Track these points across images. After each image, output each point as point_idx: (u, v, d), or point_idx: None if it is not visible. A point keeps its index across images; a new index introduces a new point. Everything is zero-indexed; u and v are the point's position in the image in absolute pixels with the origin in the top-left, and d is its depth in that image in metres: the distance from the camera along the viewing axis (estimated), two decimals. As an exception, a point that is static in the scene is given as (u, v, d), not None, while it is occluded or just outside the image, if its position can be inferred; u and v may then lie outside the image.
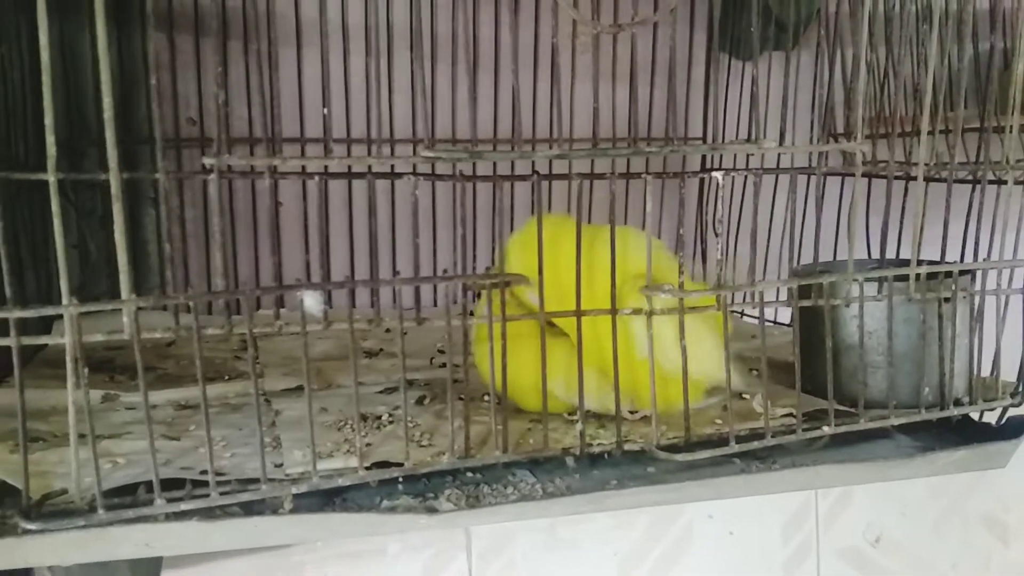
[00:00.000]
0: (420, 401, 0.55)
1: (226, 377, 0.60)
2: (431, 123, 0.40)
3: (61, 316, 0.66)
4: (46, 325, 0.68)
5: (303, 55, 0.79)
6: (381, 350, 0.68)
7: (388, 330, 0.75)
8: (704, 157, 0.89)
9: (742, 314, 0.82)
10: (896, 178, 0.64)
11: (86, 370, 0.36)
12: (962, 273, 0.52)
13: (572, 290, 0.44)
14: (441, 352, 0.66)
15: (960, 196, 0.56)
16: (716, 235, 0.87)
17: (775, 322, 0.78)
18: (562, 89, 0.43)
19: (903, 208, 0.67)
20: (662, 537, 0.96)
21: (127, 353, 0.66)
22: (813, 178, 0.83)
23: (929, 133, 0.52)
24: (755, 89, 0.43)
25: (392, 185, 0.74)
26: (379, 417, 0.51)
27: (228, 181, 0.76)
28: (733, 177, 0.78)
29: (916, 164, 0.51)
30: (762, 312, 0.47)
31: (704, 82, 0.90)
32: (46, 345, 0.67)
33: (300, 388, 0.58)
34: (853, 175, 0.48)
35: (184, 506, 0.38)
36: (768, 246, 0.77)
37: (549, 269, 0.43)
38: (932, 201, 0.52)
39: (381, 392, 0.57)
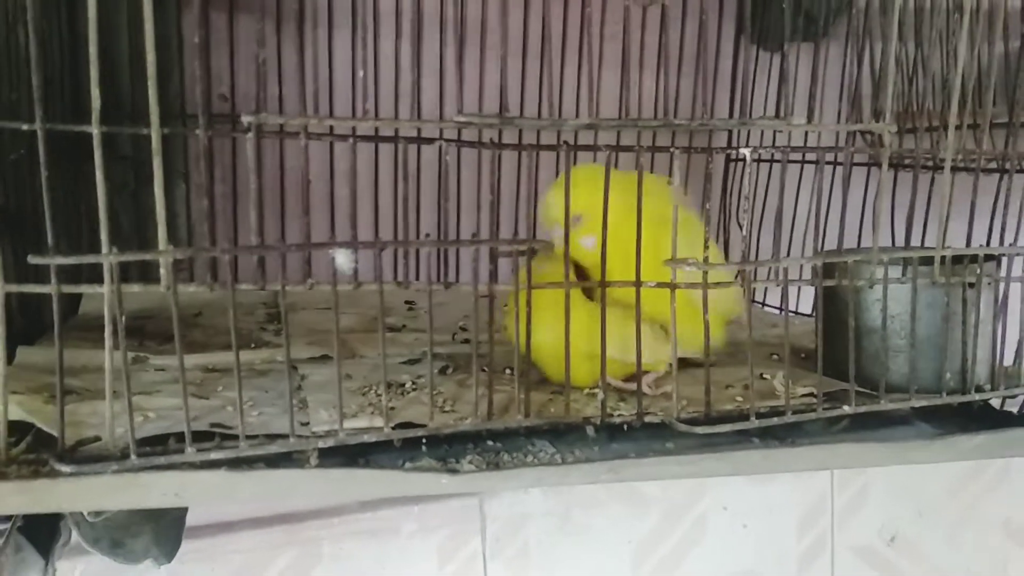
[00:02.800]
0: (443, 371, 0.56)
1: (252, 346, 0.61)
2: (460, 91, 0.40)
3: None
4: (76, 294, 0.70)
5: (334, 36, 0.80)
6: (404, 326, 0.69)
7: (411, 307, 0.75)
8: (730, 137, 0.89)
9: (763, 304, 0.82)
10: (923, 167, 0.64)
11: (123, 318, 0.37)
12: (987, 259, 0.52)
13: (618, 243, 0.45)
14: (463, 329, 0.67)
15: (986, 190, 0.56)
16: (740, 226, 0.88)
17: (796, 312, 0.78)
18: (591, 74, 0.43)
19: (928, 200, 0.67)
20: (676, 527, 0.96)
21: (156, 321, 0.67)
22: (838, 169, 0.84)
23: (957, 127, 0.52)
24: (784, 65, 0.44)
25: (419, 149, 0.75)
26: (402, 384, 0.52)
27: (258, 151, 0.77)
28: (759, 155, 0.78)
29: (944, 160, 0.51)
30: (785, 290, 0.48)
31: (731, 73, 0.90)
32: (77, 312, 0.69)
33: (325, 357, 0.59)
34: (880, 164, 0.48)
35: (214, 455, 0.39)
36: (792, 236, 0.77)
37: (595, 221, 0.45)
38: (957, 195, 0.52)
39: (404, 363, 0.58)
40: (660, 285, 0.46)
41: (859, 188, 0.83)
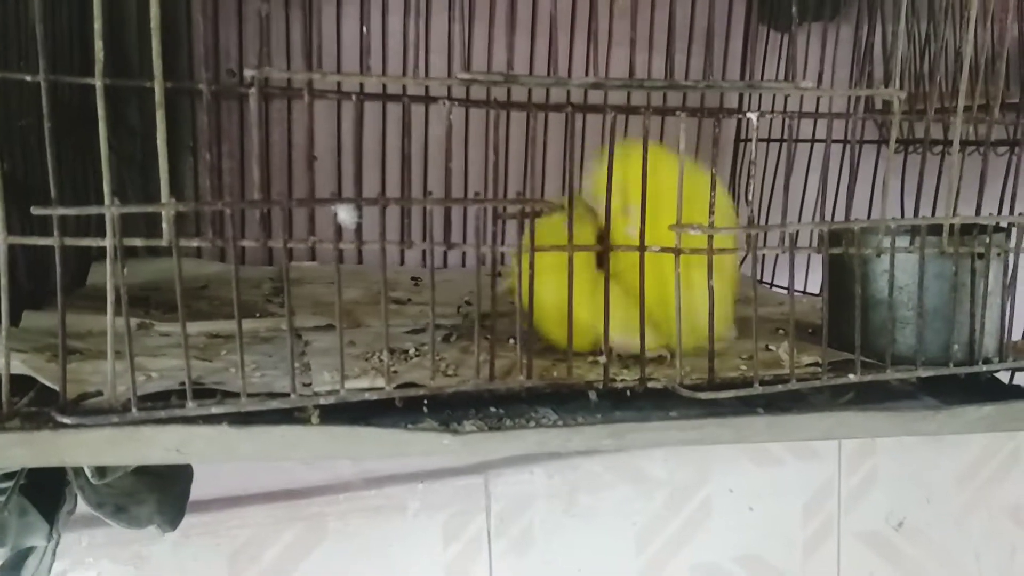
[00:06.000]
0: (447, 339, 0.56)
1: (257, 315, 0.61)
2: (468, 49, 0.40)
3: (98, 260, 0.68)
4: (85, 267, 0.71)
5: (343, 12, 0.79)
6: (409, 300, 0.69)
7: (416, 283, 0.75)
8: (740, 105, 0.89)
9: (771, 284, 0.82)
10: (933, 142, 0.64)
11: (124, 270, 0.37)
12: (997, 230, 0.52)
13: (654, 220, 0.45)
14: (468, 304, 0.67)
15: (995, 170, 0.56)
16: (748, 203, 0.87)
17: (803, 291, 0.78)
18: (599, 54, 0.43)
19: (937, 180, 0.66)
20: (681, 509, 0.96)
21: (161, 293, 0.67)
22: (846, 154, 0.83)
23: (967, 108, 0.51)
24: (794, 29, 0.43)
25: (426, 111, 0.76)
26: (406, 351, 0.52)
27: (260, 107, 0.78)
28: (769, 128, 0.77)
29: (951, 139, 0.50)
30: (792, 257, 0.47)
31: (741, 53, 0.90)
32: (85, 283, 0.69)
33: (329, 326, 0.59)
34: (887, 141, 0.48)
35: (215, 410, 0.39)
36: (801, 215, 0.77)
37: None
38: (966, 175, 0.51)
39: (408, 332, 0.58)
40: (665, 250, 0.45)
41: (868, 167, 0.82)
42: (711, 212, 0.45)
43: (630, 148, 0.47)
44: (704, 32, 0.89)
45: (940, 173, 0.67)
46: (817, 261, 0.70)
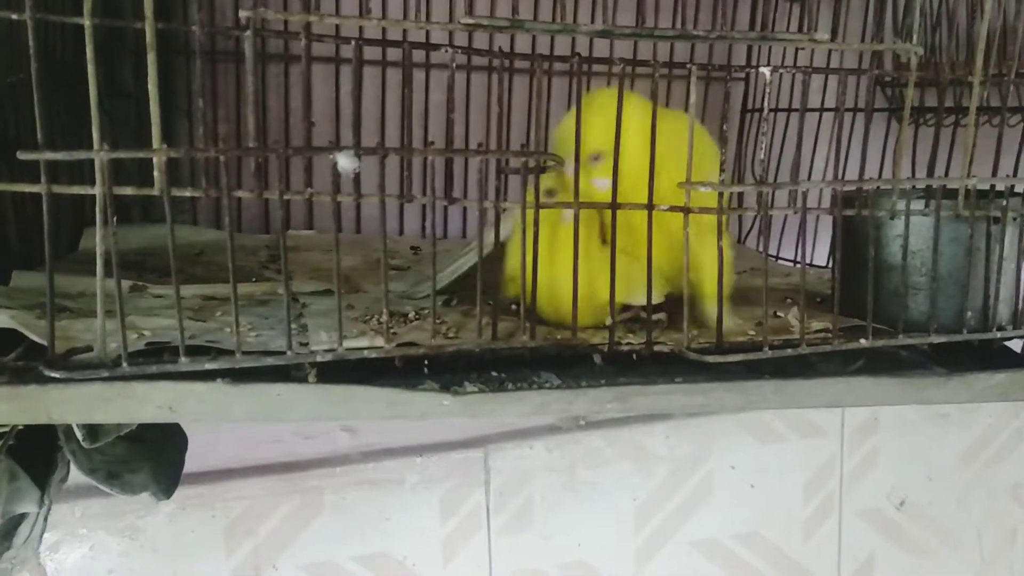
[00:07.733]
0: (447, 303, 0.54)
1: (254, 280, 0.60)
2: (470, 7, 0.38)
3: (91, 225, 0.67)
4: (78, 234, 0.69)
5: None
6: (409, 267, 0.68)
7: (416, 252, 0.74)
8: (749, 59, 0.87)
9: (776, 257, 0.81)
10: (947, 110, 0.62)
11: (115, 219, 0.36)
12: (1013, 195, 0.50)
13: (636, 182, 0.43)
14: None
15: (1009, 141, 0.54)
16: (756, 178, 0.86)
17: (811, 264, 0.77)
18: (606, 17, 0.42)
19: (951, 149, 0.65)
20: (682, 485, 0.95)
21: (156, 258, 0.66)
22: (856, 123, 0.82)
23: (982, 81, 0.49)
24: (809, -22, 0.42)
25: (427, 76, 0.74)
26: (405, 314, 0.50)
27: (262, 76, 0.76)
28: (777, 96, 0.75)
29: (964, 107, 0.48)
30: (803, 217, 0.46)
31: (749, 21, 0.88)
32: (78, 247, 0.68)
33: (327, 291, 0.57)
34: (899, 110, 0.46)
35: (208, 365, 0.37)
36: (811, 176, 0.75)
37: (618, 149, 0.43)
38: (981, 144, 0.50)
39: (407, 297, 0.57)
40: (673, 209, 0.44)
41: (879, 140, 0.81)
42: (721, 170, 0.44)
43: (596, 95, 0.47)
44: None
45: (952, 145, 0.65)
46: (825, 231, 0.69)
